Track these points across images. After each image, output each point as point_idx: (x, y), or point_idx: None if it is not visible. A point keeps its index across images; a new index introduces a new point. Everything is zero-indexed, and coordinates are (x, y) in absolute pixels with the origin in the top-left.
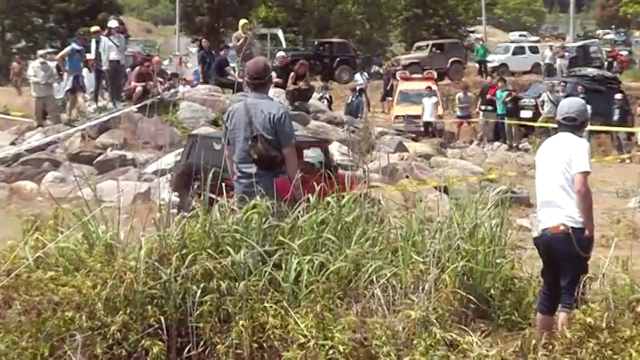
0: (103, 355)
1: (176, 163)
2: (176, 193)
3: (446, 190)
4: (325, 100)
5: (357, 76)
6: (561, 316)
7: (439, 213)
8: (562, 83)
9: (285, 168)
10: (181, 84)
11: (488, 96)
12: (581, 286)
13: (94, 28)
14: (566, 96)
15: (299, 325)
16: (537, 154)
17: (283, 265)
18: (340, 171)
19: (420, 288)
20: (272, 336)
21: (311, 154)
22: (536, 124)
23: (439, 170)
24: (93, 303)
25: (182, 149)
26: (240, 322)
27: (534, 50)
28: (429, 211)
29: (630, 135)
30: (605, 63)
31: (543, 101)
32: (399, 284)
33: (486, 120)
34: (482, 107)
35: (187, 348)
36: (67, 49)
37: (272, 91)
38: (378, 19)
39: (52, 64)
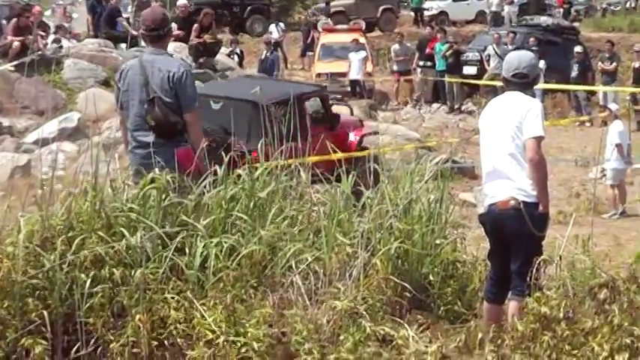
0: None
1: None
2: None
3: (376, 160)
4: (235, 56)
5: (272, 27)
6: (512, 305)
7: (370, 186)
8: (510, 34)
9: (187, 136)
10: (66, 38)
11: (426, 50)
12: (535, 270)
13: None
14: (516, 49)
15: (206, 319)
16: (482, 118)
17: (187, 250)
18: (342, 119)
19: (347, 274)
20: (174, 332)
21: (310, 106)
22: (481, 82)
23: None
24: None
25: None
26: (137, 317)
27: None
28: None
29: (590, 94)
30: (561, 10)
31: (489, 55)
32: (322, 270)
33: (424, 78)
34: (420, 63)
35: (76, 347)
36: None
37: (172, 46)
38: None
39: None
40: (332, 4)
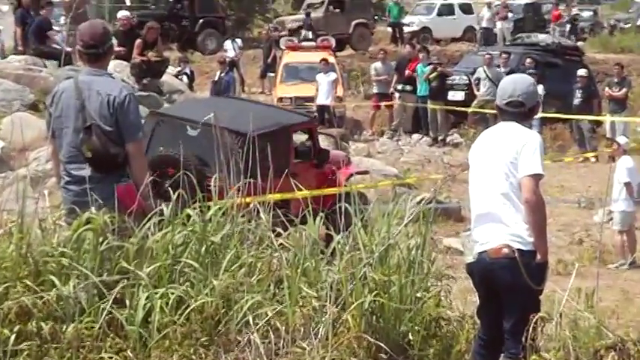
0: None
1: None
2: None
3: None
4: (184, 77)
5: (228, 44)
6: None
7: (341, 229)
8: (504, 54)
9: (129, 170)
10: None
11: (406, 72)
12: (531, 329)
13: None
14: (510, 72)
15: None
16: (471, 151)
17: (127, 302)
18: (332, 153)
19: (313, 332)
20: None
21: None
22: (469, 110)
23: None
24: None
25: None
26: None
27: (467, 9)
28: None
29: (596, 125)
30: (561, 27)
31: (479, 79)
32: (284, 327)
33: (403, 104)
34: (398, 87)
35: None
36: None
37: (111, 65)
38: None
39: None
40: (296, 17)
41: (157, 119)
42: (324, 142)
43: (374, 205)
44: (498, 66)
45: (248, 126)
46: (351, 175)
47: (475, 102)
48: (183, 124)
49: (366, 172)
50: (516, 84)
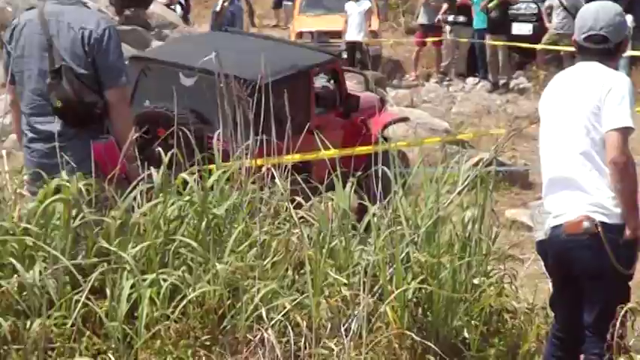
0: None
1: None
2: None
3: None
4: (177, 7)
5: None
6: None
7: (378, 198)
8: None
9: (109, 124)
10: None
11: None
12: (619, 323)
13: None
14: None
15: None
16: (542, 100)
17: (108, 291)
18: (363, 98)
19: (343, 329)
20: None
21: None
22: (538, 47)
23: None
24: None
25: None
26: None
27: None
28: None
29: None
30: None
31: (551, 7)
32: (306, 322)
33: (455, 40)
34: (449, 18)
35: None
36: None
37: None
38: None
39: None
40: None
41: (142, 65)
42: (352, 84)
43: (419, 167)
44: None
45: (257, 71)
46: (388, 124)
47: (546, 36)
48: (175, 70)
49: (405, 120)
50: (598, 13)
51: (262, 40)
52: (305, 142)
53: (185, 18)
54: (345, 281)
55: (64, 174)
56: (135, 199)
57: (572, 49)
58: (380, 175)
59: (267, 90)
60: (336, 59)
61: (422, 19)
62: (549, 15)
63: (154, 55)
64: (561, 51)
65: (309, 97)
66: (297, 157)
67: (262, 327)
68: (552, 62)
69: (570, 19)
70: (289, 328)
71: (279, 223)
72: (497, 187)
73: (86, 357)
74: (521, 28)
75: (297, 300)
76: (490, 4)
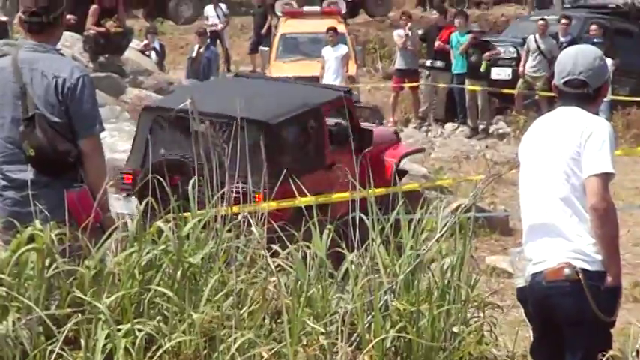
0: None
1: (130, 158)
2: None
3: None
4: (152, 53)
5: (209, 9)
6: None
7: (356, 246)
8: (564, 20)
9: (83, 173)
10: None
11: (437, 43)
12: None
13: None
14: (571, 42)
15: None
16: (522, 145)
17: (83, 341)
18: (376, 132)
19: None
20: None
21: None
22: (515, 91)
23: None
24: None
25: (135, 131)
26: None
27: None
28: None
29: None
30: None
31: (528, 50)
32: None
33: (433, 85)
34: (427, 63)
35: None
36: None
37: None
38: None
39: None
40: None
41: (154, 116)
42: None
43: (396, 213)
44: (554, 36)
45: (268, 112)
46: (403, 157)
47: (520, 81)
48: (187, 117)
49: (421, 151)
50: (577, 58)
51: (273, 82)
52: (321, 179)
53: (160, 64)
54: (323, 330)
55: (37, 223)
56: (109, 248)
57: (548, 93)
58: (357, 221)
59: (278, 129)
60: (347, 95)
61: (399, 63)
62: (526, 59)
63: (165, 104)
64: (537, 95)
65: (322, 134)
66: (273, 205)
67: None
68: (531, 107)
69: (544, 63)
70: None
71: (255, 272)
72: (477, 234)
73: None
74: (500, 73)
75: (275, 349)
76: (470, 50)
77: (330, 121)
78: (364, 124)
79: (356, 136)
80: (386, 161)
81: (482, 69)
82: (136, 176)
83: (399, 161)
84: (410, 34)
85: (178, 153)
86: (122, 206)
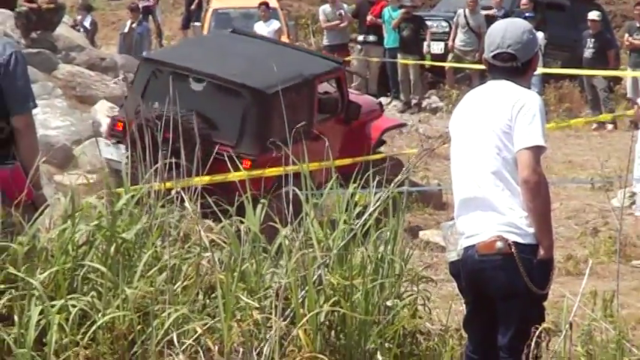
0: None
1: (124, 104)
2: (123, 153)
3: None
4: (83, 30)
5: None
6: None
7: (290, 220)
8: None
9: (15, 150)
10: None
11: (369, 18)
12: (534, 344)
13: None
14: (504, 16)
15: None
16: (452, 119)
17: (16, 318)
18: (362, 103)
19: (256, 352)
20: None
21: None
22: (447, 65)
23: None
24: None
25: (132, 80)
26: None
27: None
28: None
29: (613, 82)
30: None
31: (457, 25)
32: (217, 347)
33: (366, 59)
34: (360, 37)
35: None
36: None
37: None
38: None
39: None
40: None
41: (153, 68)
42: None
43: (329, 187)
44: (486, 10)
45: (264, 80)
46: (385, 130)
47: (450, 55)
48: (185, 74)
49: (402, 125)
50: (506, 31)
51: (269, 44)
52: (307, 149)
53: (92, 40)
54: (257, 305)
55: None
56: (41, 224)
57: (479, 66)
58: (290, 195)
59: (273, 98)
60: (341, 67)
61: (326, 40)
62: (455, 34)
63: (166, 59)
64: (468, 69)
65: (312, 105)
66: (206, 179)
67: (173, 352)
68: (463, 81)
69: (473, 38)
70: (201, 353)
71: (189, 247)
72: (410, 208)
73: None
74: (433, 48)
75: (209, 324)
76: (402, 24)
77: (320, 89)
78: (352, 94)
79: (344, 107)
80: (370, 133)
81: (402, 24)
82: (127, 125)
83: (382, 134)
84: (343, 13)
85: (172, 108)
86: (111, 152)
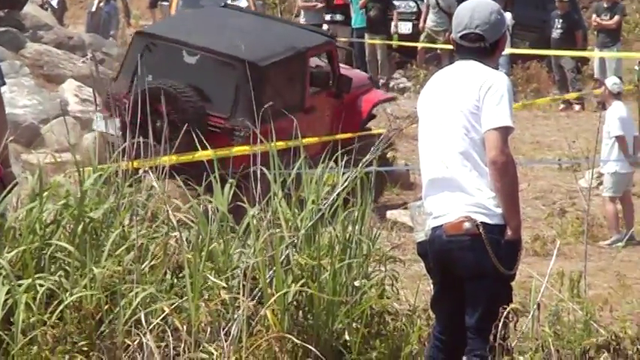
0: None
1: (115, 79)
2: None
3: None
4: (50, 8)
5: None
6: None
7: (257, 200)
8: None
9: None
10: None
11: None
12: (502, 324)
13: None
14: None
15: None
16: (420, 99)
17: None
18: (353, 77)
19: (223, 333)
20: None
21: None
22: (419, 45)
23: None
24: None
25: (125, 54)
26: None
27: None
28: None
29: (581, 63)
30: None
31: (428, 5)
32: (185, 326)
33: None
34: (327, 17)
35: None
36: None
37: None
38: None
39: None
40: None
41: (146, 41)
42: None
43: (297, 166)
44: None
45: (258, 52)
46: (376, 104)
47: (422, 35)
48: (178, 47)
49: (392, 99)
50: (474, 11)
51: (261, 19)
52: (300, 122)
53: (60, 19)
54: (225, 285)
55: None
56: (9, 202)
57: (450, 47)
58: (258, 175)
59: (266, 71)
60: (332, 41)
61: (303, 20)
62: (427, 14)
63: (159, 32)
64: (439, 49)
65: (304, 78)
66: (173, 159)
67: (141, 331)
68: (432, 61)
69: (445, 18)
70: (168, 332)
71: (157, 226)
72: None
73: None
74: (401, 28)
75: (176, 304)
76: (369, 3)
77: (311, 62)
78: (342, 69)
79: (335, 80)
80: (361, 106)
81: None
82: (122, 98)
83: (372, 108)
84: None
85: (166, 82)
86: (105, 125)
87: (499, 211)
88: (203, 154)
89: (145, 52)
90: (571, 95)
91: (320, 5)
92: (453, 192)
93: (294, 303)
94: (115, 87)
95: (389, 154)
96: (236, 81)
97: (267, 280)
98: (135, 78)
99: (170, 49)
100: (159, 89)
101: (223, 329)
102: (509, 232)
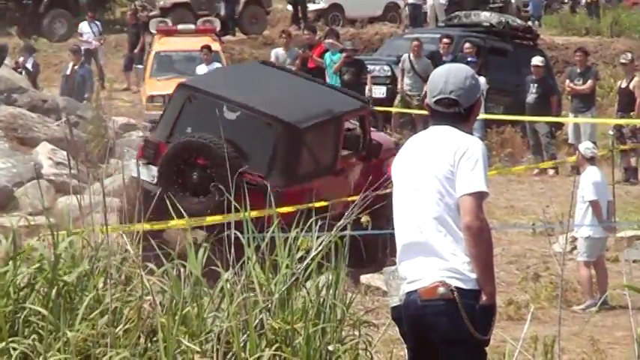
0: None
1: (153, 129)
2: (153, 184)
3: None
4: (25, 71)
5: (84, 26)
6: None
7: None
8: (445, 39)
9: None
10: None
11: (311, 61)
12: None
13: None
14: (453, 60)
15: None
16: (395, 164)
17: None
18: (382, 139)
19: None
20: None
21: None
22: (393, 110)
23: None
24: None
25: (165, 107)
26: None
27: None
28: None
29: (555, 128)
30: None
31: (403, 69)
32: None
33: None
34: None
35: None
36: None
37: None
38: None
39: None
40: None
41: (189, 94)
42: None
43: (272, 231)
44: (432, 54)
45: (297, 114)
46: None
47: (397, 99)
48: (220, 103)
49: None
50: (448, 77)
51: (300, 78)
52: (330, 183)
53: (34, 82)
54: (198, 349)
55: None
56: None
57: (424, 112)
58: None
59: (304, 133)
60: (367, 106)
61: None
62: (402, 78)
63: (202, 86)
64: (414, 114)
65: (338, 141)
66: (147, 227)
67: None
68: (406, 125)
69: (420, 82)
70: None
71: (130, 290)
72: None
73: None
74: (375, 92)
75: None
76: (343, 68)
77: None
78: (373, 131)
79: (365, 145)
80: (386, 171)
81: (343, 69)
82: (160, 147)
83: None
84: (287, 54)
85: (205, 135)
86: (143, 173)
87: (473, 276)
88: (179, 223)
89: (187, 104)
90: (545, 164)
91: (294, 69)
92: (427, 257)
93: None
94: (153, 136)
95: (362, 219)
96: (274, 140)
97: (241, 345)
98: (174, 129)
99: (212, 104)
100: (198, 142)
101: None
102: (483, 298)
